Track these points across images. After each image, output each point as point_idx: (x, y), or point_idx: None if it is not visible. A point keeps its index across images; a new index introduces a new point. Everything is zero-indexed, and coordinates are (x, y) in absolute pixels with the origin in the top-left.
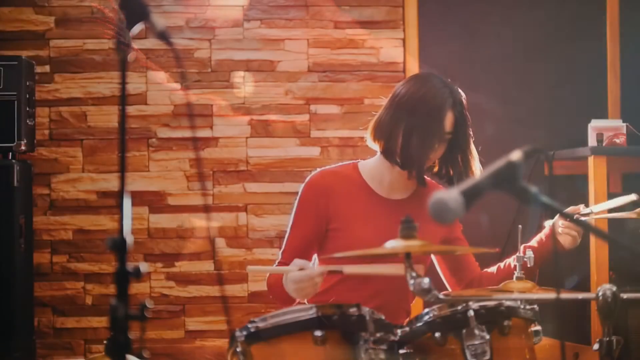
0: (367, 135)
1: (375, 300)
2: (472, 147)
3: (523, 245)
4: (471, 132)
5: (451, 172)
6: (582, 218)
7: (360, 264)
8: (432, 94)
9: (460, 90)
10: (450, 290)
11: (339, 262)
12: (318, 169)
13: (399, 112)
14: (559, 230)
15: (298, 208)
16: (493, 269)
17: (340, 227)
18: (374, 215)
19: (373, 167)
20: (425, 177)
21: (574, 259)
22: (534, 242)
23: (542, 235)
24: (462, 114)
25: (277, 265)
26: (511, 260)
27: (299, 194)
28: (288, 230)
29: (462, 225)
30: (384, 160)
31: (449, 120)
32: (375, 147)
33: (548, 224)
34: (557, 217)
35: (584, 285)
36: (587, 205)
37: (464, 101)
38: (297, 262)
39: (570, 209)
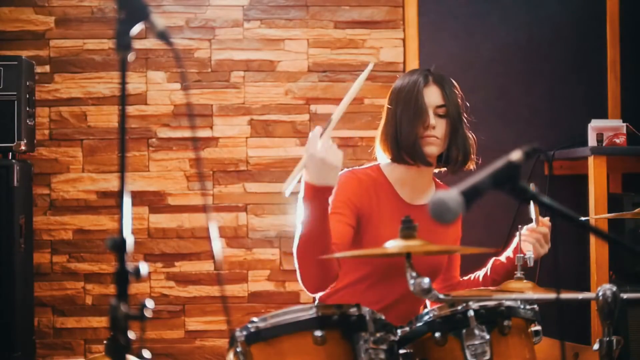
0: (377, 150)
1: (382, 304)
2: (464, 128)
3: (493, 258)
4: (463, 113)
5: (448, 158)
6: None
7: (391, 268)
8: (408, 77)
9: (443, 74)
10: None
11: (373, 264)
12: (346, 169)
13: (391, 113)
14: (522, 240)
15: (337, 199)
16: (468, 276)
17: (365, 228)
18: (397, 220)
19: (394, 169)
20: (440, 182)
21: (574, 259)
22: (503, 257)
23: (510, 254)
24: (450, 88)
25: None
26: (480, 273)
27: (335, 188)
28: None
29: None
30: (396, 165)
31: (434, 93)
32: (386, 156)
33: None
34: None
35: (584, 285)
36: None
37: (453, 83)
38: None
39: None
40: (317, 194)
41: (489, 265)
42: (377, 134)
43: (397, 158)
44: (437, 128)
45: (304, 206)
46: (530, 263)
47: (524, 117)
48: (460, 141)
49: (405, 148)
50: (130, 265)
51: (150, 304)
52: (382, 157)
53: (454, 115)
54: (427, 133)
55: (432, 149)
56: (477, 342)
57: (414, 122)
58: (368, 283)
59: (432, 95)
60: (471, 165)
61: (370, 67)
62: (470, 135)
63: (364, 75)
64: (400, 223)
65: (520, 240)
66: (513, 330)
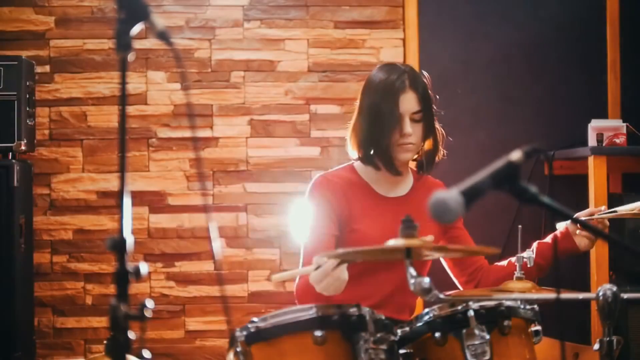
0: (348, 146)
1: (372, 300)
2: (436, 128)
3: (537, 242)
4: (434, 111)
5: (420, 156)
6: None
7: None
8: (385, 76)
9: (420, 72)
10: (455, 281)
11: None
12: (318, 175)
13: (364, 114)
14: (577, 232)
15: (314, 210)
16: (503, 262)
17: (347, 227)
18: (378, 215)
19: (367, 167)
20: (417, 170)
21: (574, 258)
22: (548, 238)
23: (557, 233)
24: (424, 89)
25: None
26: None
27: (309, 200)
28: (310, 237)
29: (462, 217)
30: (365, 165)
31: (410, 99)
32: (355, 154)
33: (562, 224)
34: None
35: (584, 285)
36: (604, 207)
37: (426, 80)
38: (316, 259)
39: (587, 211)
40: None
41: (533, 248)
42: (349, 130)
43: (367, 161)
44: (413, 134)
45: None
46: (530, 263)
47: (524, 117)
48: (433, 140)
49: (379, 156)
50: (130, 265)
51: (150, 304)
52: (353, 153)
53: (429, 118)
54: (403, 141)
55: (408, 155)
56: (477, 342)
57: (390, 132)
58: (356, 280)
59: (409, 103)
60: (439, 157)
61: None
62: (439, 128)
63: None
64: (381, 217)
65: (573, 229)
66: (513, 330)
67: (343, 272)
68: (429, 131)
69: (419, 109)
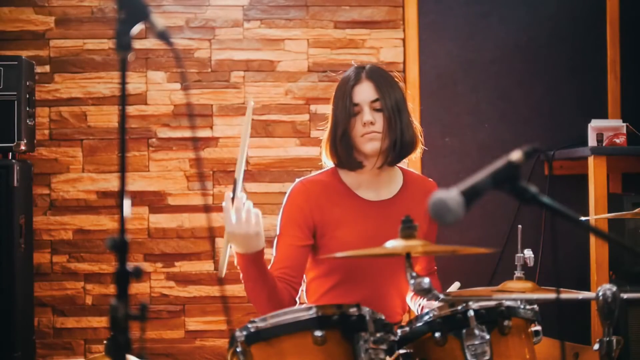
0: (323, 156)
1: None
2: (406, 117)
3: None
4: (406, 102)
5: (392, 148)
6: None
7: (356, 268)
8: (343, 78)
9: (379, 67)
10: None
11: (334, 263)
12: (297, 180)
13: (331, 118)
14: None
15: (284, 219)
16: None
17: (326, 234)
18: (358, 220)
19: (348, 172)
20: (412, 170)
21: (574, 259)
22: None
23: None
24: (385, 80)
25: None
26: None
27: (284, 205)
28: (276, 242)
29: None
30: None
31: (367, 89)
32: (331, 163)
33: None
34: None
35: (584, 285)
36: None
37: (390, 75)
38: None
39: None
40: (249, 262)
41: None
42: (323, 138)
43: (339, 165)
44: (377, 123)
45: (241, 270)
46: (530, 263)
47: (524, 117)
48: (405, 130)
49: (339, 149)
50: (130, 265)
51: (145, 304)
52: (328, 161)
53: (391, 106)
54: (366, 130)
55: (375, 145)
56: (477, 342)
57: (347, 122)
58: (331, 285)
59: (365, 92)
60: (417, 153)
61: (251, 105)
62: (415, 122)
63: (248, 118)
64: (362, 223)
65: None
66: (513, 330)
67: (254, 226)
68: (394, 120)
69: (377, 97)
